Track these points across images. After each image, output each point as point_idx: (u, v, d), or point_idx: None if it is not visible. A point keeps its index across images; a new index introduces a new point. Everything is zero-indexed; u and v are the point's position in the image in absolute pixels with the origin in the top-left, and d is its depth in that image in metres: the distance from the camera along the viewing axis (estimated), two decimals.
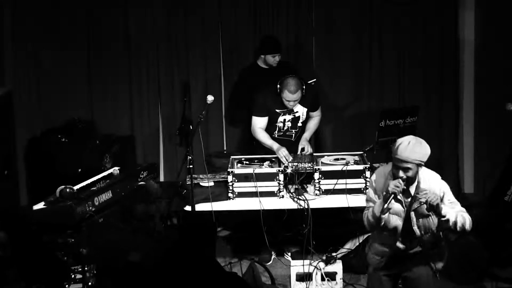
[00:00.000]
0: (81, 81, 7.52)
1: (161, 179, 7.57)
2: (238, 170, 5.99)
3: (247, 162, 6.17)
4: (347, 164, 5.98)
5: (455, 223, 4.37)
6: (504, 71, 7.24)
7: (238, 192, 5.92)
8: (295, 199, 5.86)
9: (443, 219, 4.37)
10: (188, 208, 5.81)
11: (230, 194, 5.92)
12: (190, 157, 5.69)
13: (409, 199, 4.48)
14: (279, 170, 5.91)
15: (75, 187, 5.58)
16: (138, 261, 4.32)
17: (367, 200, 4.65)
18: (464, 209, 4.48)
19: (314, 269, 5.74)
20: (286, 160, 6.01)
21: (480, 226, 6.01)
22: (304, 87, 6.10)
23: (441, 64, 7.58)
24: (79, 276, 5.27)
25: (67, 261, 5.32)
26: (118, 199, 5.81)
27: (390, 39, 7.54)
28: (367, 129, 7.34)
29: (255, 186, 5.88)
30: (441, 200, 4.40)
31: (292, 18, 7.46)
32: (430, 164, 7.58)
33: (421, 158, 4.37)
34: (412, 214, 4.47)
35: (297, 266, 5.78)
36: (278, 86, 6.10)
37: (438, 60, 7.57)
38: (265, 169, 6.01)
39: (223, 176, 6.09)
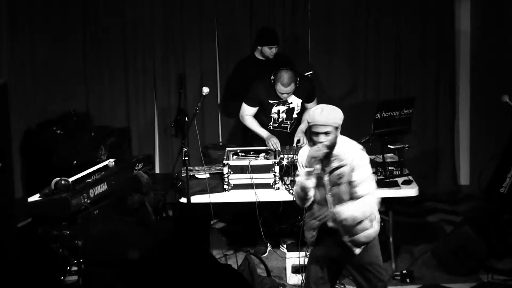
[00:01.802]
0: (76, 73, 7.49)
1: (157, 171, 7.56)
2: (234, 162, 5.97)
3: (242, 154, 6.15)
4: None
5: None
6: (500, 62, 7.23)
7: (233, 184, 5.91)
8: (291, 191, 5.85)
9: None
10: (183, 200, 5.80)
11: (225, 186, 5.91)
12: (186, 149, 5.68)
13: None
14: (274, 162, 5.90)
15: (70, 179, 5.56)
16: (137, 258, 4.30)
17: (297, 179, 4.53)
18: (368, 199, 4.31)
19: None
20: (274, 146, 6.04)
21: (477, 218, 6.04)
22: (298, 79, 6.09)
23: (438, 56, 7.58)
24: (74, 268, 5.28)
25: (63, 254, 5.32)
26: (113, 191, 5.80)
27: (387, 31, 7.53)
28: (362, 121, 7.33)
29: (251, 178, 5.88)
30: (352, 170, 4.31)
31: (288, 10, 7.44)
32: (426, 155, 7.68)
33: (337, 120, 4.39)
34: (326, 179, 4.38)
35: (293, 258, 5.77)
36: (272, 77, 6.10)
37: (435, 51, 7.57)
38: (261, 161, 6.00)
39: (218, 168, 6.08)
